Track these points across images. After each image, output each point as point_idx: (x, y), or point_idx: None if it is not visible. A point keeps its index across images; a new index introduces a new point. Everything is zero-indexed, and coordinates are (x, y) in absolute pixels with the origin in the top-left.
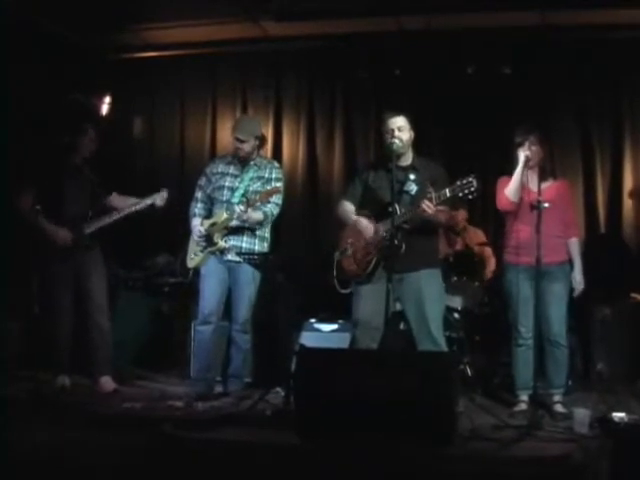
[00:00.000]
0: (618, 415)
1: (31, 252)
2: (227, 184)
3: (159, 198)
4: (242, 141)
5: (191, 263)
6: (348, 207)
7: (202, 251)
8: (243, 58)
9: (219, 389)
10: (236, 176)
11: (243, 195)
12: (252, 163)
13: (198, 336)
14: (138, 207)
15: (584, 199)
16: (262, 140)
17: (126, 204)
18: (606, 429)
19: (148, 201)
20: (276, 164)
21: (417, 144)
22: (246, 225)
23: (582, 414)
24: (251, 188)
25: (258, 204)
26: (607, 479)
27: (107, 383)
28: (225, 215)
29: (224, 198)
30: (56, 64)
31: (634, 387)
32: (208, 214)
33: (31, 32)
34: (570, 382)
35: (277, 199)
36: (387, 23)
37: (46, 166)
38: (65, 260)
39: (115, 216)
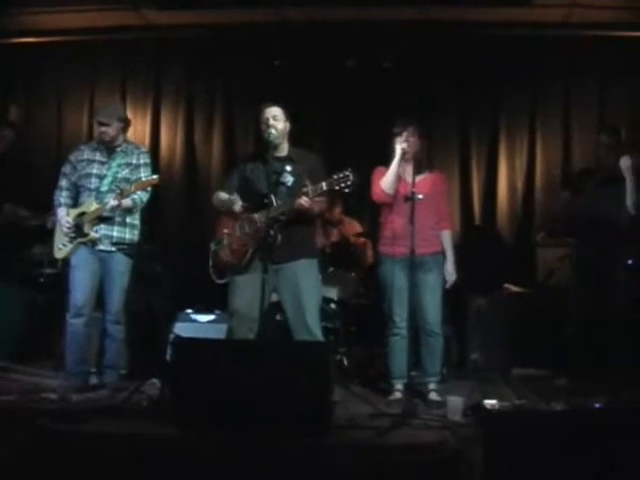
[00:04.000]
0: (489, 402)
1: None
2: (95, 171)
3: (49, 222)
4: (105, 124)
5: (59, 254)
6: (223, 196)
7: (71, 241)
8: (123, 47)
9: (94, 381)
10: (103, 163)
11: (112, 183)
12: (119, 149)
13: (71, 329)
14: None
15: (460, 192)
16: (126, 123)
17: (16, 215)
18: (478, 416)
19: (36, 222)
20: (143, 149)
21: (296, 136)
22: (116, 214)
23: (455, 402)
24: (119, 175)
25: (132, 194)
26: (480, 465)
27: None
28: (95, 205)
29: (92, 186)
30: None
31: (508, 376)
32: (73, 203)
33: None
34: (445, 371)
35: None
36: (268, 14)
37: None
38: None
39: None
